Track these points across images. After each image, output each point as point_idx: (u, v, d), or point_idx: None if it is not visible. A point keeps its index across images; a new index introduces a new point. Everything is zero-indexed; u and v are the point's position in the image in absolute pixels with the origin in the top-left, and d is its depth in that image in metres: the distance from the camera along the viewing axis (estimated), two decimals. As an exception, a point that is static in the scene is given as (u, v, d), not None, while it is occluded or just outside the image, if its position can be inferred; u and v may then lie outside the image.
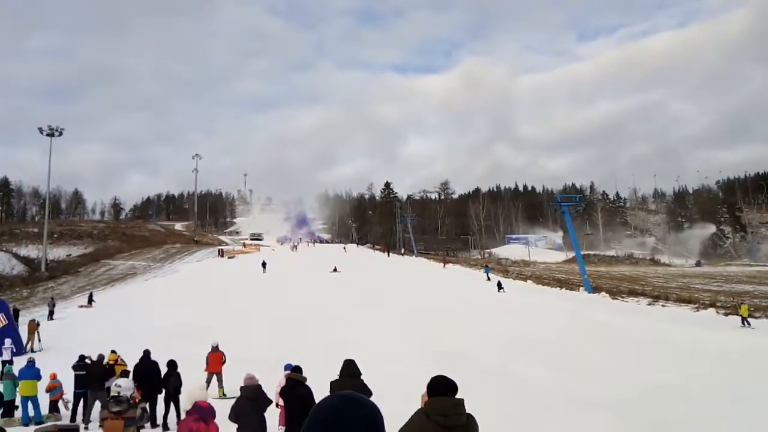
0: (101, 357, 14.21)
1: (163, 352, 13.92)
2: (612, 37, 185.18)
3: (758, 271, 64.95)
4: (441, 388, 3.89)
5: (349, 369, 7.43)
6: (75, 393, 13.47)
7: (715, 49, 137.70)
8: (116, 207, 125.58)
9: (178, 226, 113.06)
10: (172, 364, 13.15)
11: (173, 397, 12.57)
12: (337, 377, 7.88)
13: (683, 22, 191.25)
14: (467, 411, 4.04)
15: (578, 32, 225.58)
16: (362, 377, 7.96)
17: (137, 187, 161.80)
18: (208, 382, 15.00)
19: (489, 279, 50.84)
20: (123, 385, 7.88)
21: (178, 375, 12.95)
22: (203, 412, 6.21)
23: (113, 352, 14.85)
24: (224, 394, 14.44)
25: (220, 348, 15.63)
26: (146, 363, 13.16)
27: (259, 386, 8.36)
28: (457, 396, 3.91)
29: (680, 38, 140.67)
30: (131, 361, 13.86)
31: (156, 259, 67.07)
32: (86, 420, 12.88)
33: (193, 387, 6.87)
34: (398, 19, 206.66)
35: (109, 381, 13.76)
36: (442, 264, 70.90)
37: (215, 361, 15.30)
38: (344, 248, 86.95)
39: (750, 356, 18.02)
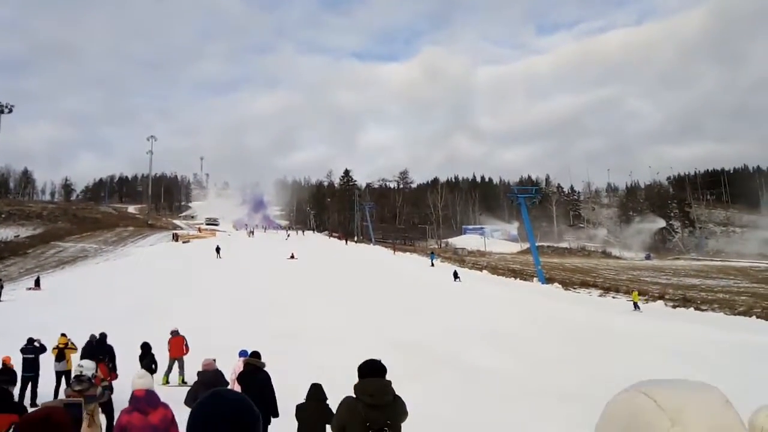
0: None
1: (115, 336, 13.69)
2: (571, 32, 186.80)
3: (705, 266, 67.10)
4: (369, 371, 4.36)
5: (316, 392, 7.38)
6: (23, 377, 13.12)
7: (670, 48, 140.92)
8: (67, 188, 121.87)
9: (131, 209, 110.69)
10: (145, 346, 13.36)
11: None
12: (303, 400, 7.84)
13: (641, 19, 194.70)
14: (396, 392, 4.46)
15: (537, 25, 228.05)
16: (327, 402, 7.86)
17: (89, 168, 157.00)
18: (170, 367, 14.90)
19: (433, 265, 54.45)
20: (85, 365, 8.01)
21: (152, 356, 13.14)
22: (138, 402, 5.80)
23: (63, 335, 14.49)
24: (184, 381, 14.27)
25: (181, 333, 15.41)
26: (95, 345, 12.95)
27: (218, 371, 8.28)
28: (389, 381, 4.39)
29: (637, 35, 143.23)
30: (82, 345, 13.61)
31: (108, 242, 65.69)
32: (33, 404, 12.57)
33: (133, 376, 6.39)
34: (360, 4, 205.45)
35: (58, 365, 13.54)
36: (392, 251, 72.74)
37: (177, 346, 15.08)
38: (287, 235, 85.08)
39: (702, 349, 18.62)
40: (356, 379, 4.43)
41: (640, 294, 37.41)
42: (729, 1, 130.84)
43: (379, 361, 4.51)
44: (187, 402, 7.66)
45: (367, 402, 4.16)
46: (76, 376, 7.82)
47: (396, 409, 4.38)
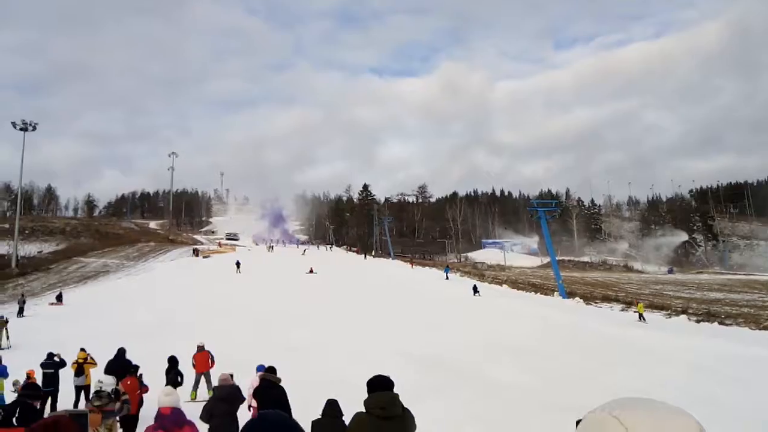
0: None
1: (137, 352, 13.73)
2: (588, 46, 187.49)
3: (729, 279, 66.01)
4: (378, 385, 4.59)
5: (332, 410, 7.32)
6: (42, 391, 13.19)
7: (689, 61, 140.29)
8: (90, 204, 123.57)
9: (153, 224, 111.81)
10: (172, 360, 13.46)
11: None
12: (320, 416, 7.78)
13: (659, 32, 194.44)
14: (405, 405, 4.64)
15: (555, 40, 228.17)
16: (343, 418, 7.80)
17: (111, 185, 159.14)
18: (197, 382, 14.83)
19: (447, 278, 55.96)
20: (105, 381, 8.39)
21: (177, 372, 13.21)
22: (164, 421, 5.72)
23: (83, 350, 14.58)
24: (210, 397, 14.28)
25: (206, 348, 15.34)
26: (118, 361, 12.97)
27: (235, 387, 8.24)
28: (397, 394, 4.61)
29: (656, 49, 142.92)
30: (102, 360, 13.66)
31: (129, 257, 66.19)
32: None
33: (159, 392, 6.42)
34: (376, 22, 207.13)
35: (77, 379, 13.61)
36: (410, 265, 73.06)
37: (202, 361, 15.03)
38: (303, 251, 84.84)
39: (726, 365, 18.26)
40: None
41: (662, 308, 36.97)
42: (747, 13, 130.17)
43: (387, 377, 4.72)
44: (203, 417, 7.63)
45: (379, 415, 4.38)
46: (96, 392, 7.97)
47: (405, 422, 4.60)
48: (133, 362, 13.01)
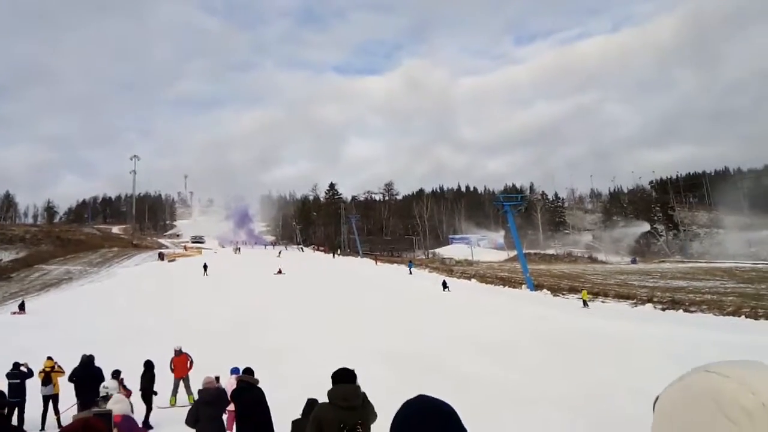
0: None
1: (105, 359, 13.43)
2: (548, 41, 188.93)
3: (691, 268, 67.45)
4: (342, 378, 4.96)
5: (311, 409, 7.27)
6: (8, 402, 12.82)
7: (647, 53, 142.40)
8: (50, 210, 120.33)
9: (116, 229, 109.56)
10: (148, 364, 13.46)
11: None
12: (300, 416, 7.73)
13: (616, 26, 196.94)
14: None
15: (516, 36, 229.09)
16: None
17: (72, 190, 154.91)
18: (176, 387, 14.58)
19: (411, 273, 58.74)
20: (110, 386, 8.50)
21: (152, 375, 13.30)
22: (116, 428, 5.47)
23: (49, 358, 14.21)
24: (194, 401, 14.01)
25: (183, 351, 15.12)
26: (87, 369, 12.68)
27: (220, 389, 8.12)
28: (358, 386, 5.04)
29: (613, 42, 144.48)
30: (69, 368, 13.35)
31: (92, 263, 64.89)
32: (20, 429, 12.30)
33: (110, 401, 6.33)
34: (338, 20, 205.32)
35: (45, 389, 13.27)
36: (374, 262, 75.01)
37: (181, 365, 14.74)
38: (279, 252, 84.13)
39: (700, 352, 18.62)
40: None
41: (628, 297, 37.68)
42: (701, 6, 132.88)
43: (351, 369, 5.09)
44: (188, 421, 7.50)
45: (341, 405, 4.75)
46: (102, 396, 8.13)
47: (366, 411, 4.96)
48: (103, 370, 12.77)
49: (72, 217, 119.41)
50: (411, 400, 1.65)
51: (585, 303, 34.97)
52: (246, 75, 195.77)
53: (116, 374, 11.94)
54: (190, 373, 14.65)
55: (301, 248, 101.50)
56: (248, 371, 8.82)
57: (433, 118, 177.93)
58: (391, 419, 1.65)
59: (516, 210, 54.82)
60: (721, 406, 0.89)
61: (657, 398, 1.07)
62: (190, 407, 7.97)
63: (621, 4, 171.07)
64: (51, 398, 13.25)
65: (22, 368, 13.39)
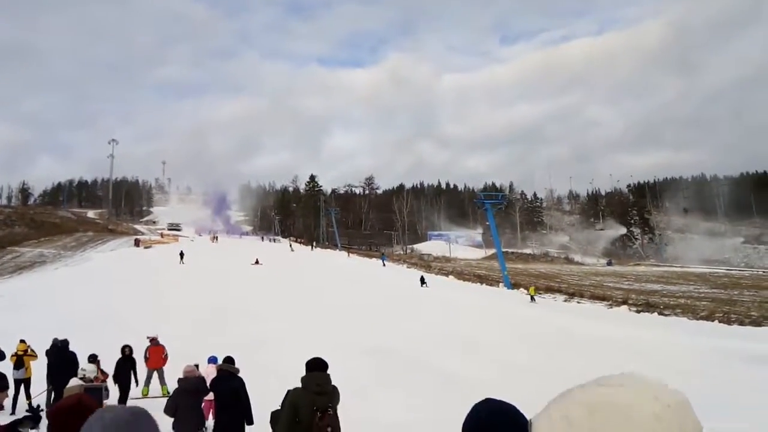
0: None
1: (79, 343, 13.20)
2: (533, 41, 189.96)
3: (666, 272, 68.33)
4: (315, 366, 5.58)
5: None
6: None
7: (630, 57, 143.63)
8: (24, 192, 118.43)
9: (91, 213, 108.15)
10: (128, 349, 13.43)
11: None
12: (279, 407, 7.65)
13: (601, 29, 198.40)
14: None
15: (501, 35, 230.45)
16: None
17: (48, 172, 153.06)
18: (149, 378, 14.14)
19: (384, 265, 61.22)
20: (87, 368, 9.09)
21: (133, 362, 13.39)
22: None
23: (22, 341, 13.93)
24: (168, 392, 13.63)
25: (160, 341, 14.69)
26: (61, 353, 12.47)
27: (201, 378, 7.99)
28: (329, 374, 5.63)
29: (598, 45, 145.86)
30: (42, 352, 13.11)
31: (67, 247, 63.97)
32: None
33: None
34: (325, 11, 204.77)
35: (17, 372, 13.00)
36: (346, 254, 77.51)
37: (156, 355, 14.29)
38: (268, 240, 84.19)
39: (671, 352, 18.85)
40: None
41: (603, 299, 38.07)
42: (687, 13, 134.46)
43: (323, 359, 5.71)
44: (167, 410, 7.37)
45: (315, 390, 5.33)
46: (81, 378, 8.01)
47: (335, 396, 5.59)
48: (77, 354, 12.57)
49: (47, 200, 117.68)
50: (480, 404, 1.58)
51: (532, 298, 37.76)
52: (229, 63, 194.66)
53: (93, 358, 11.74)
54: (165, 365, 14.29)
55: (279, 239, 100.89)
56: (229, 360, 8.69)
57: (416, 113, 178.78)
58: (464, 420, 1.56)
59: (496, 209, 55.02)
60: (629, 415, 0.93)
61: (530, 422, 1.09)
62: (168, 397, 7.82)
63: (607, 7, 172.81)
64: (23, 382, 12.99)
65: (-6, 351, 13.12)
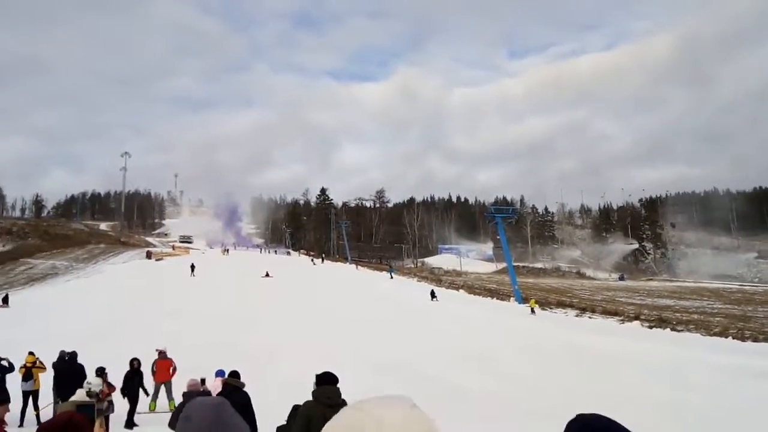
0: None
1: (88, 355, 13.21)
2: (542, 56, 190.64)
3: (678, 287, 67.73)
4: (326, 380, 5.67)
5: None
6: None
7: (640, 72, 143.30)
8: (38, 204, 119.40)
9: (104, 226, 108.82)
10: (136, 362, 13.28)
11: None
12: (285, 422, 7.59)
13: (612, 43, 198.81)
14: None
15: (510, 49, 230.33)
16: None
17: (61, 185, 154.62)
18: (156, 392, 14.03)
19: (392, 277, 62.31)
20: (93, 382, 8.79)
21: (141, 376, 13.28)
22: None
23: (31, 353, 13.94)
24: (175, 407, 13.58)
25: (168, 355, 14.56)
26: (69, 365, 12.46)
27: (206, 392, 7.92)
28: (338, 387, 5.63)
29: (608, 59, 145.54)
30: (50, 363, 13.12)
31: (79, 259, 64.36)
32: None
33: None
34: (335, 25, 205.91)
35: (25, 384, 13.00)
36: (355, 266, 78.75)
37: (163, 369, 14.16)
38: (275, 252, 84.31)
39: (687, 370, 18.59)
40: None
41: (616, 314, 37.73)
42: (696, 26, 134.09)
43: (333, 373, 5.82)
44: (171, 424, 7.31)
45: (326, 403, 5.34)
46: (87, 392, 8.26)
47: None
48: (85, 366, 12.56)
49: (60, 212, 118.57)
50: (586, 416, 1.54)
51: (532, 310, 38.26)
52: (240, 76, 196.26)
53: (100, 371, 11.72)
54: (173, 379, 14.18)
55: (287, 252, 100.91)
56: (234, 374, 8.63)
57: (426, 127, 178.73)
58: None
59: (507, 222, 54.86)
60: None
61: None
62: (174, 410, 7.77)
63: (617, 20, 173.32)
64: (31, 394, 12.99)
65: (3, 363, 13.13)
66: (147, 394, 13.37)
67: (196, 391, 7.93)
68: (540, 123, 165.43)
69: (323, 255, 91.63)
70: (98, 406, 7.95)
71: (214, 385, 10.09)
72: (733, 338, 28.24)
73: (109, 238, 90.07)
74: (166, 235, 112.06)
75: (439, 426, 1.17)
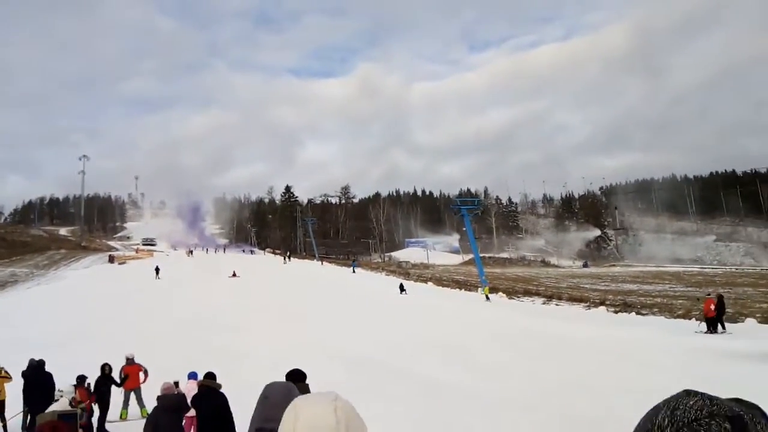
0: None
1: (55, 363, 12.88)
2: (501, 48, 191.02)
3: (641, 272, 69.17)
4: (295, 377, 5.65)
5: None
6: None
7: (596, 62, 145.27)
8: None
9: (63, 231, 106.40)
10: (107, 368, 13.14)
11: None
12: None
13: (568, 35, 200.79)
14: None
15: (469, 43, 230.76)
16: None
17: (17, 190, 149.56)
18: (127, 400, 13.65)
19: (354, 272, 63.81)
20: (65, 390, 8.96)
21: (112, 382, 13.13)
22: None
23: (-5, 363, 13.56)
24: (147, 414, 13.22)
25: (136, 360, 14.12)
26: (37, 374, 12.14)
27: (181, 395, 7.81)
28: (308, 384, 5.84)
29: (565, 50, 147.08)
30: (16, 374, 12.76)
31: (39, 265, 62.83)
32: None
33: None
34: (294, 23, 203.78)
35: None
36: (320, 263, 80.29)
37: (133, 375, 13.75)
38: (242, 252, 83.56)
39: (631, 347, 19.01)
40: None
41: (582, 300, 38.35)
42: (647, 17, 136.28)
43: (302, 370, 5.91)
44: (146, 430, 7.19)
45: None
46: (56, 401, 8.17)
47: None
48: (53, 375, 12.25)
49: (17, 218, 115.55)
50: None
51: (487, 297, 40.37)
52: (199, 76, 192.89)
53: (81, 380, 11.44)
54: (142, 385, 13.84)
55: (252, 251, 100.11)
56: (210, 375, 8.54)
57: (388, 122, 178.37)
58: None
59: (472, 214, 55.26)
60: (282, 428, 1.26)
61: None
62: (148, 416, 7.62)
63: (572, 12, 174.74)
64: (-3, 404, 12.67)
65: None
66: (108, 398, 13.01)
67: (171, 394, 7.80)
68: (501, 115, 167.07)
69: (288, 253, 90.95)
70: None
71: (188, 388, 9.96)
72: (696, 320, 28.92)
73: (69, 244, 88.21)
74: (128, 238, 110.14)
75: (357, 416, 1.31)
